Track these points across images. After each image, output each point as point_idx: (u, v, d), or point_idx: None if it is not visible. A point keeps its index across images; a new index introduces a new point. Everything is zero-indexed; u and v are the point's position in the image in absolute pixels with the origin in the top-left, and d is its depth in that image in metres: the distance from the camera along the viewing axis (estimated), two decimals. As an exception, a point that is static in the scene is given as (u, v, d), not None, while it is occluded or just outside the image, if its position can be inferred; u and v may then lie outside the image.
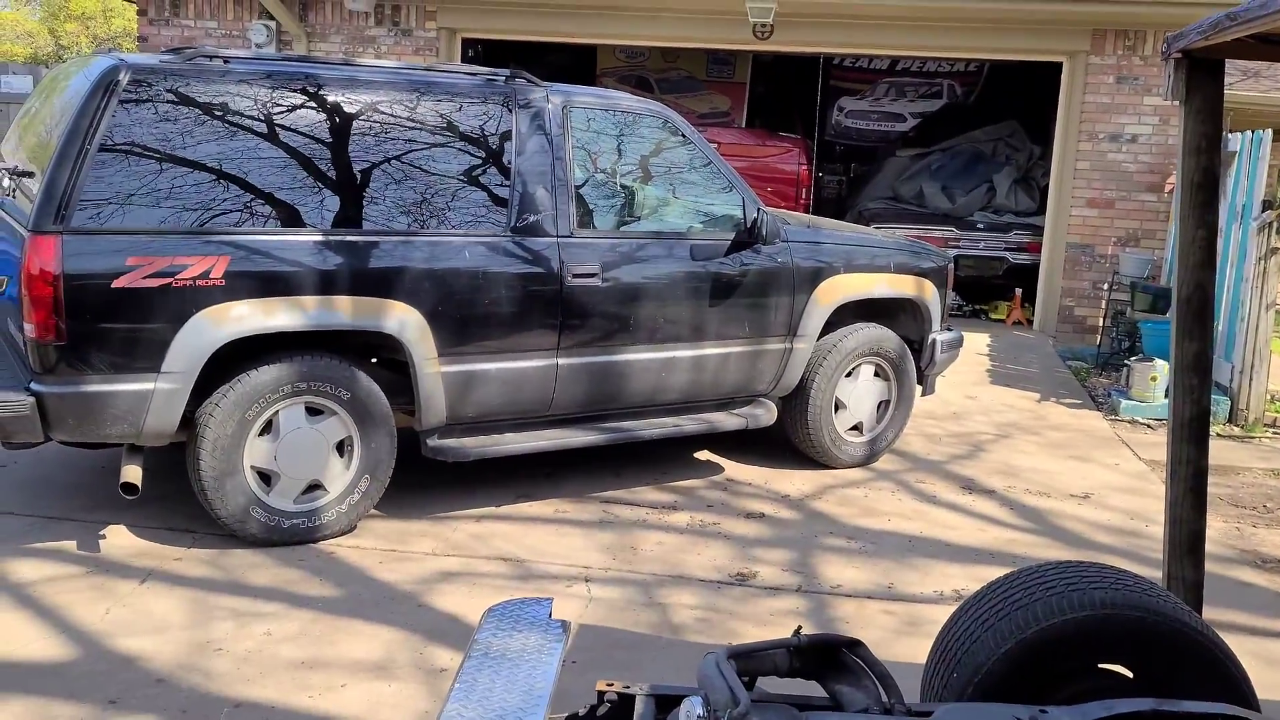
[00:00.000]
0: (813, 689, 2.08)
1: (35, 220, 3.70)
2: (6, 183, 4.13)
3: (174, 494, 4.56)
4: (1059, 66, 9.72)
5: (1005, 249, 10.89)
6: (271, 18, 9.95)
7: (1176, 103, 2.59)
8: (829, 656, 2.08)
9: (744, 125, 13.00)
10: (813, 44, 10.19)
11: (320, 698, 3.08)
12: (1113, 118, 9.49)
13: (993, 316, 10.80)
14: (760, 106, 13.43)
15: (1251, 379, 7.07)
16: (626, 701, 2.04)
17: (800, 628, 2.07)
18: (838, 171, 14.01)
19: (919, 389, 5.94)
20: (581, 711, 2.07)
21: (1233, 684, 2.19)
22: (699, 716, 1.78)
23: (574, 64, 13.02)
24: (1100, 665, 2.32)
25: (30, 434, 3.77)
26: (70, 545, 4.10)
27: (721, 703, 1.81)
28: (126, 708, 2.97)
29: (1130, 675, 2.30)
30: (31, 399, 3.73)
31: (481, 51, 11.86)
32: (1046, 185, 10.21)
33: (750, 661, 2.01)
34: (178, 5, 10.19)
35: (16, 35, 34.58)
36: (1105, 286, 9.33)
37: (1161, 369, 7.23)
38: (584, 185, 4.79)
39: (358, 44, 10.08)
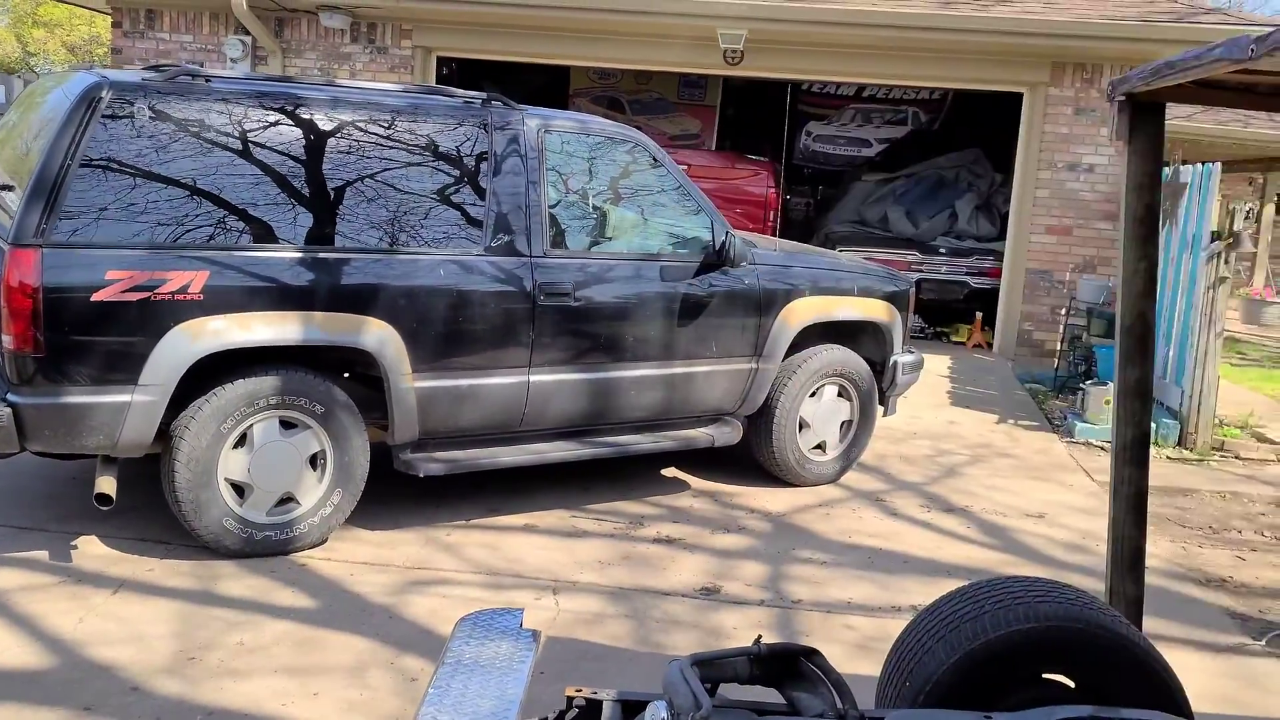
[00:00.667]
0: (772, 696, 2.18)
1: (16, 233, 3.75)
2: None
3: (145, 505, 4.60)
4: (1020, 97, 9.97)
5: (967, 273, 11.12)
6: (247, 32, 10.00)
7: (1121, 142, 2.75)
8: (788, 665, 2.19)
9: (714, 148, 13.19)
10: (782, 70, 10.38)
11: (293, 705, 3.15)
12: (1071, 148, 9.75)
13: (954, 339, 11.02)
14: (730, 129, 13.65)
15: (1200, 404, 7.29)
16: (594, 707, 2.14)
17: (760, 637, 2.18)
18: (804, 194, 14.23)
19: (881, 409, 6.09)
20: (551, 716, 2.17)
21: (1168, 693, 2.32)
22: (663, 719, 1.88)
23: (547, 84, 13.16)
24: (1044, 675, 2.45)
25: (6, 444, 3.82)
26: (43, 555, 4.14)
27: (685, 706, 1.91)
28: (101, 714, 3.03)
29: (1073, 685, 2.43)
30: (8, 410, 3.78)
31: (455, 70, 11.97)
32: (1007, 212, 10.45)
33: (712, 669, 2.12)
34: (153, 18, 10.22)
35: (-18, 42, 34.18)
36: (1063, 311, 9.57)
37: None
38: (558, 207, 4.90)
39: (333, 60, 10.15)
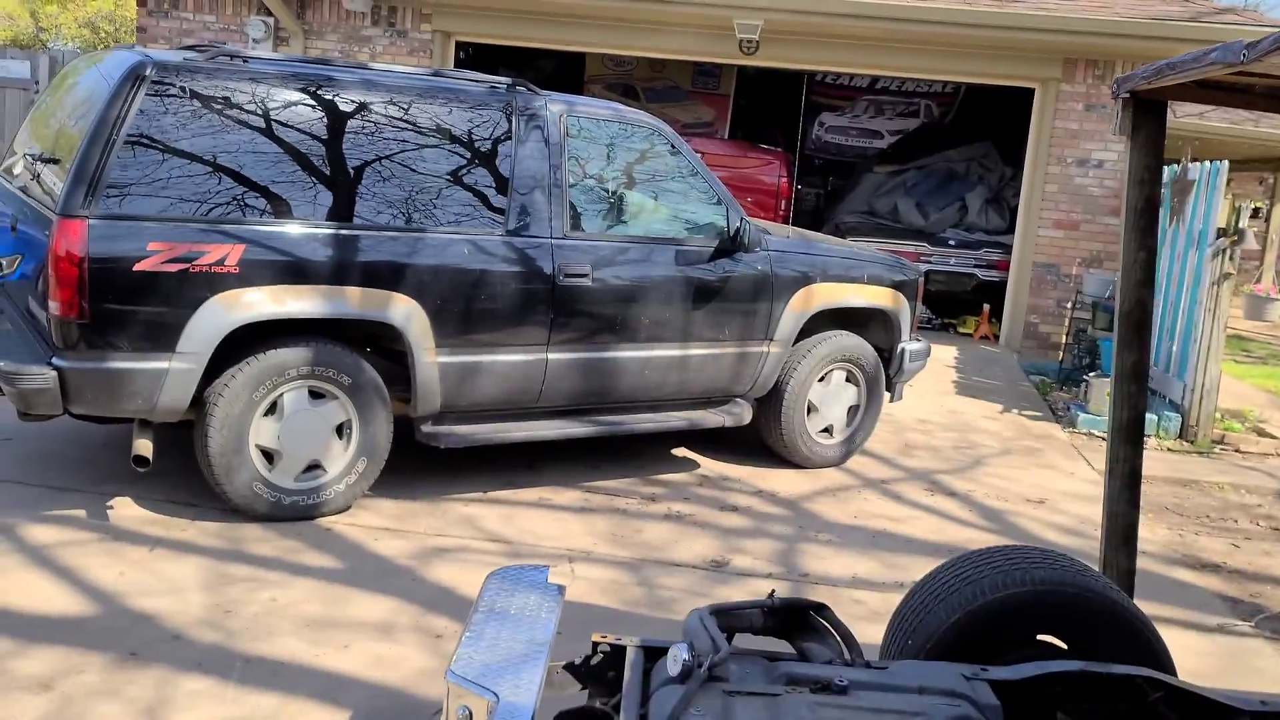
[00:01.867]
0: (785, 648, 2.34)
1: (64, 205, 3.91)
2: (37, 168, 4.34)
3: (176, 469, 4.77)
4: (1032, 92, 10.08)
5: (975, 266, 11.25)
6: (269, 14, 10.14)
7: (1124, 137, 2.90)
8: (799, 618, 2.35)
9: (727, 136, 13.31)
10: (796, 60, 10.50)
11: (326, 656, 3.32)
12: (1081, 143, 9.86)
13: (961, 331, 11.15)
14: (743, 118, 13.75)
15: (1203, 397, 7.43)
16: (618, 652, 2.31)
17: (774, 591, 2.34)
18: (816, 185, 14.35)
19: (888, 395, 6.24)
20: (578, 660, 2.33)
21: (1154, 654, 2.48)
22: (685, 660, 2.04)
23: (562, 70, 13.29)
24: (1039, 637, 2.61)
25: (50, 406, 3.99)
26: (80, 513, 4.31)
27: (705, 650, 2.07)
28: (146, 659, 3.20)
29: (1065, 647, 2.59)
30: (54, 373, 3.95)
31: (472, 54, 12.10)
32: (1016, 205, 10.57)
33: (729, 619, 2.28)
34: (176, -3, 10.37)
35: (-4, 17, 34.28)
36: (1069, 305, 9.70)
37: (1118, 385, 7.57)
38: (578, 190, 5.05)
39: (354, 43, 10.29)
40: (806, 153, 14.38)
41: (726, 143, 12.63)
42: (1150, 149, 2.92)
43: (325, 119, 4.42)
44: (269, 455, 4.39)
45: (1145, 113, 2.88)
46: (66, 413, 4.09)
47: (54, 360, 3.98)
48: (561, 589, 2.57)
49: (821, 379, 5.87)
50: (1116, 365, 3.00)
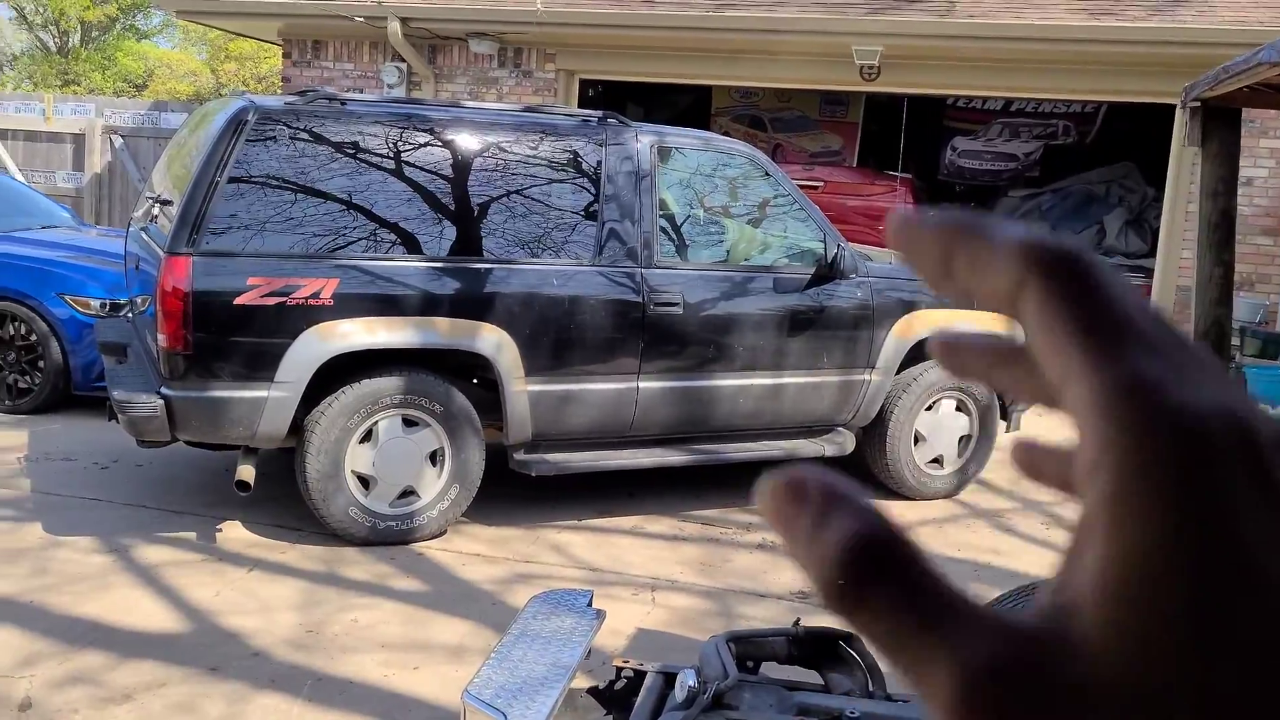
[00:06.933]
0: (815, 678, 2.27)
1: (170, 243, 4.17)
2: (156, 211, 4.65)
3: (286, 495, 4.98)
4: (1173, 108, 9.60)
5: (1115, 291, 10.74)
6: (403, 60, 10.58)
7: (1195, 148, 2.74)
8: (827, 647, 2.28)
9: (855, 164, 13.14)
10: (921, 85, 10.30)
11: (395, 676, 3.40)
12: (1228, 160, 9.33)
13: (1102, 359, 10.64)
14: (873, 146, 13.55)
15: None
16: (640, 677, 2.29)
17: (799, 619, 2.28)
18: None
19: (1003, 424, 6.01)
20: (601, 685, 2.33)
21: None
22: (690, 686, 2.01)
23: (691, 103, 13.38)
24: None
25: (158, 433, 4.24)
26: (191, 536, 4.55)
27: (713, 676, 2.04)
28: (223, 674, 3.35)
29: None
30: (161, 402, 4.19)
31: (602, 91, 12.32)
32: (1159, 227, 10.06)
33: (750, 646, 2.23)
34: (318, 48, 10.94)
35: (182, 75, 36.89)
36: (1217, 331, 9.15)
37: (1265, 415, 7.09)
38: (668, 219, 5.07)
39: (482, 85, 10.63)
40: (940, 178, 14.06)
41: (851, 170, 12.48)
42: (1224, 159, 2.75)
43: (417, 156, 4.58)
44: (365, 481, 4.54)
45: (1216, 121, 2.72)
46: (175, 439, 4.34)
47: (161, 390, 4.23)
48: (601, 614, 2.56)
49: (929, 408, 5.69)
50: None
